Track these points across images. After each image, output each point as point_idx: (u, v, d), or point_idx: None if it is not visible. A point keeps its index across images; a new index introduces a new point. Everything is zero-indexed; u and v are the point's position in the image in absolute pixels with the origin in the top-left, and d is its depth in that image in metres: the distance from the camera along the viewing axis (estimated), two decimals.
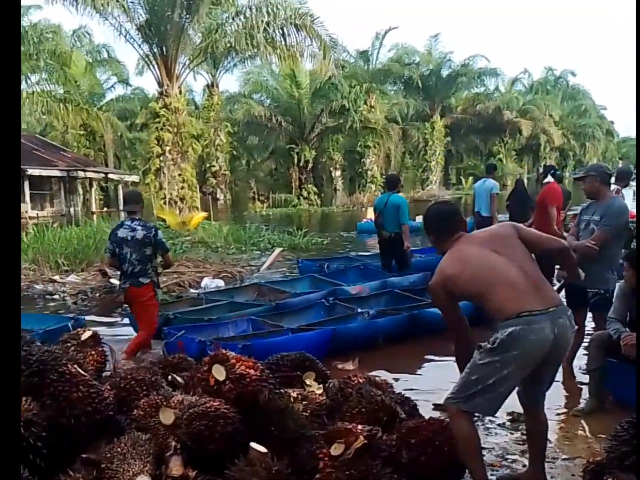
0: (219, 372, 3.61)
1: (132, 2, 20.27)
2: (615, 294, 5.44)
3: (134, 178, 26.79)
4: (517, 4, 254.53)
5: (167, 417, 3.37)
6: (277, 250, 13.62)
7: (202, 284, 10.48)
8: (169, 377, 4.16)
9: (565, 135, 52.37)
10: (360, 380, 4.43)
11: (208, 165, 36.26)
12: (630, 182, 15.07)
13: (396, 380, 5.93)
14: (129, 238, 6.56)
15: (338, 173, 36.48)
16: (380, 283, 9.22)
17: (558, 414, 5.23)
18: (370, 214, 20.37)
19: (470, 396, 3.52)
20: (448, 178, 43.32)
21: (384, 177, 34.67)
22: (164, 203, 20.15)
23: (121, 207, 21.95)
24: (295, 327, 7.03)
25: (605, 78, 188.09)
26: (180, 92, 21.65)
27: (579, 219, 6.16)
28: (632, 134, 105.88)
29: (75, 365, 3.45)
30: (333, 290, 8.87)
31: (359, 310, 7.69)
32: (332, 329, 6.82)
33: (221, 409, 3.29)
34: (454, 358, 3.93)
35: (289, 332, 6.84)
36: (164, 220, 17.47)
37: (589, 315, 6.20)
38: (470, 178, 40.46)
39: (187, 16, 19.92)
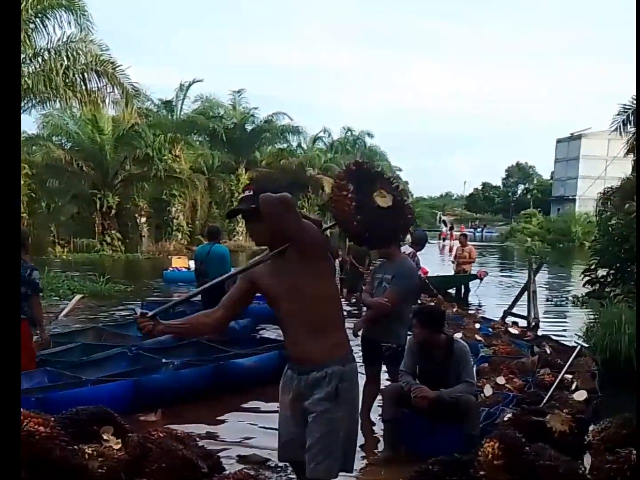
0: None
1: None
2: (406, 348, 5.77)
3: None
4: (313, 67, 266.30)
5: None
6: (77, 297, 13.00)
7: None
8: None
9: None
10: (162, 435, 4.33)
11: None
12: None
13: (201, 432, 5.84)
14: None
15: (144, 220, 35.75)
16: None
17: (359, 463, 5.37)
18: (177, 262, 20.09)
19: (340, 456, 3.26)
20: None
21: (190, 226, 34.51)
22: None
23: None
24: (94, 378, 6.72)
25: (397, 141, 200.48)
26: None
27: (373, 277, 6.55)
28: (425, 194, 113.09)
29: None
30: None
31: (164, 361, 7.49)
32: (134, 381, 6.59)
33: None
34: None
35: (89, 384, 6.52)
36: None
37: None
38: None
39: None
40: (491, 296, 16.93)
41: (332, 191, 3.20)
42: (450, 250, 36.48)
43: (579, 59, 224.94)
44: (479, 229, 75.10)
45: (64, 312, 11.84)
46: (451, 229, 55.78)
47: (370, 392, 6.46)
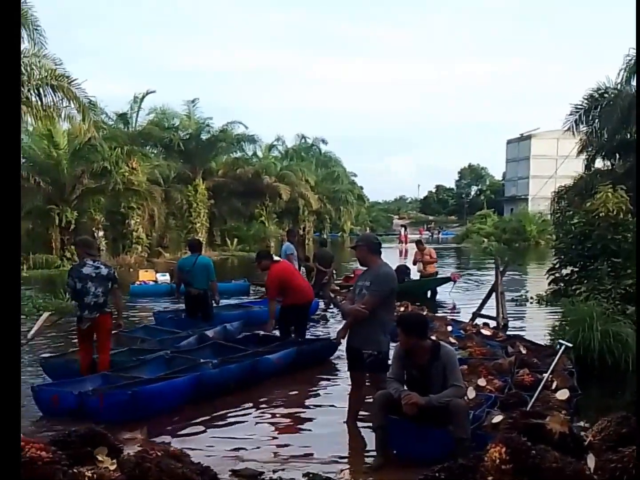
0: None
1: None
2: (392, 355, 5.82)
3: None
4: (265, 74, 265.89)
5: None
6: (45, 314, 12.71)
7: None
8: None
9: (321, 200, 54.90)
10: (159, 453, 4.31)
11: None
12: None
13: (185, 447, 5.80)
14: (94, 275, 7.49)
15: (101, 234, 35.17)
16: (221, 328, 10.25)
17: (350, 471, 5.40)
18: (144, 276, 19.50)
19: None
20: (213, 239, 43.31)
21: (148, 238, 34.13)
22: None
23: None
24: (155, 377, 7.31)
25: (352, 147, 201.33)
26: None
27: (355, 285, 6.59)
28: (380, 199, 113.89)
29: None
30: (201, 334, 9.63)
31: (202, 360, 8.02)
32: (198, 375, 7.31)
33: None
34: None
35: (150, 383, 7.10)
36: None
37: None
38: (235, 240, 41.07)
39: None
40: (456, 298, 17.06)
41: None
42: (406, 253, 36.65)
43: (524, 59, 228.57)
44: (435, 231, 75.57)
45: (33, 331, 11.58)
46: (404, 228, 56.16)
47: (355, 398, 6.51)
